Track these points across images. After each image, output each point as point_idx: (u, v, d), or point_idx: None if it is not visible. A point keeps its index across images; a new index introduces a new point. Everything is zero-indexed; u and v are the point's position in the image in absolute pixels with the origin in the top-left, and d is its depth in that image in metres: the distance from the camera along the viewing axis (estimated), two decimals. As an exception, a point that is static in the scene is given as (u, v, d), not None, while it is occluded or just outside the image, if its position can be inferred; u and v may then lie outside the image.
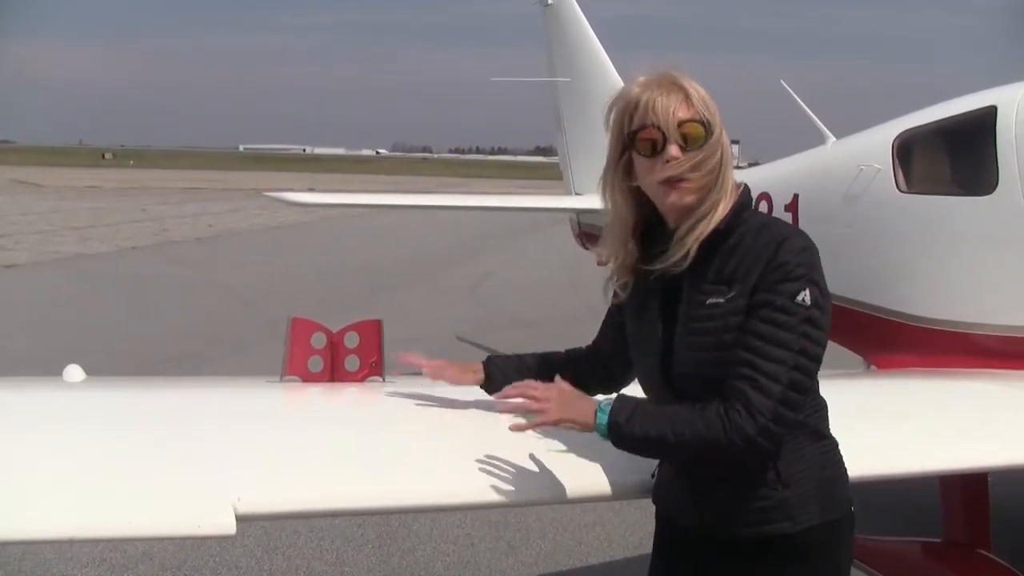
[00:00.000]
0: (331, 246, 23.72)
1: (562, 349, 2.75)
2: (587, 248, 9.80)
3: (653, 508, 2.52)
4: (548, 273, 18.03)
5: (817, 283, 2.15)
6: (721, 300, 2.19)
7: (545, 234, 23.65)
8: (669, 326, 2.29)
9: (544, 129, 11.77)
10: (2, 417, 2.75)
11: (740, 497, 2.25)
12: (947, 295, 4.52)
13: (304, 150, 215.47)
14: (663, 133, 2.20)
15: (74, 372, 3.16)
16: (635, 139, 2.25)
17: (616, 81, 9.71)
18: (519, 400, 2.32)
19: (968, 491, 3.92)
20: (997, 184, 4.34)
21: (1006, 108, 4.41)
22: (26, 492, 2.16)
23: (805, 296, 2.13)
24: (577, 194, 10.07)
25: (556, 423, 2.25)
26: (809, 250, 2.18)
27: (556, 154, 10.98)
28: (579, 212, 9.63)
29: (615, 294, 2.42)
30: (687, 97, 2.22)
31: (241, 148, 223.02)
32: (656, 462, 2.44)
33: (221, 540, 4.79)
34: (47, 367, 3.46)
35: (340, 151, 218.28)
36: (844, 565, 2.38)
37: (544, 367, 2.64)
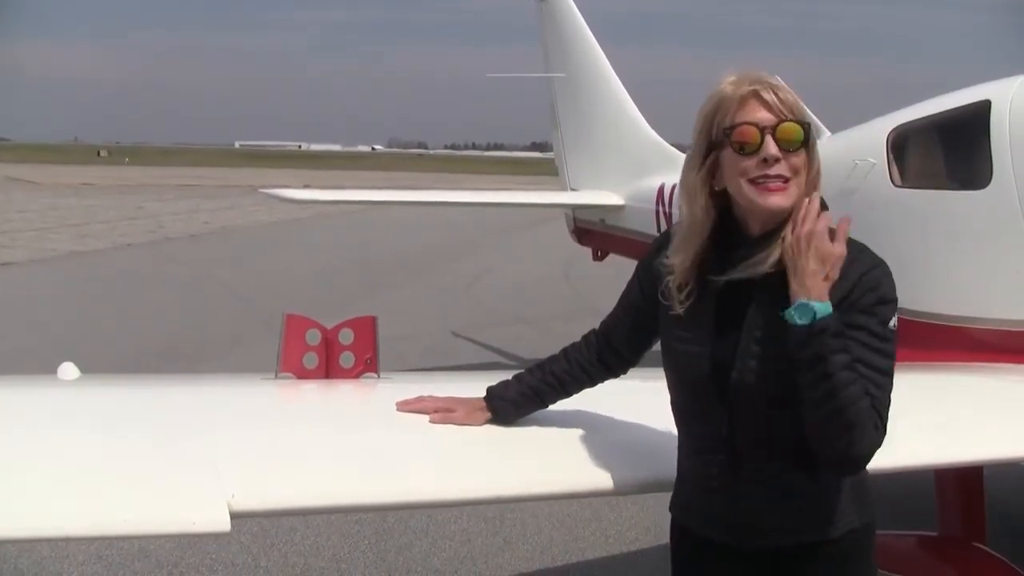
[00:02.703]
0: (327, 242, 23.67)
1: (556, 348, 2.69)
2: (582, 243, 9.82)
3: (649, 503, 2.53)
4: (545, 269, 18.05)
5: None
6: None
7: (541, 230, 23.64)
8: (730, 333, 2.20)
9: (540, 125, 11.75)
10: (-4, 415, 2.75)
11: (775, 507, 2.23)
12: (942, 289, 4.52)
13: (300, 147, 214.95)
14: (761, 131, 2.12)
15: (68, 370, 3.16)
16: (730, 135, 2.14)
17: (611, 76, 9.71)
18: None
19: (964, 484, 3.93)
20: (991, 178, 4.35)
21: (1000, 102, 4.42)
22: (21, 490, 2.16)
23: (895, 322, 2.13)
24: (573, 189, 10.06)
25: None
26: (892, 275, 2.17)
27: (552, 150, 10.97)
28: (575, 207, 9.63)
29: (670, 297, 2.26)
30: (783, 99, 2.15)
31: (237, 145, 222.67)
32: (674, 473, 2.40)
33: (216, 537, 4.80)
34: (42, 365, 3.45)
35: (336, 147, 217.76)
36: (875, 567, 2.40)
37: (547, 380, 2.59)
